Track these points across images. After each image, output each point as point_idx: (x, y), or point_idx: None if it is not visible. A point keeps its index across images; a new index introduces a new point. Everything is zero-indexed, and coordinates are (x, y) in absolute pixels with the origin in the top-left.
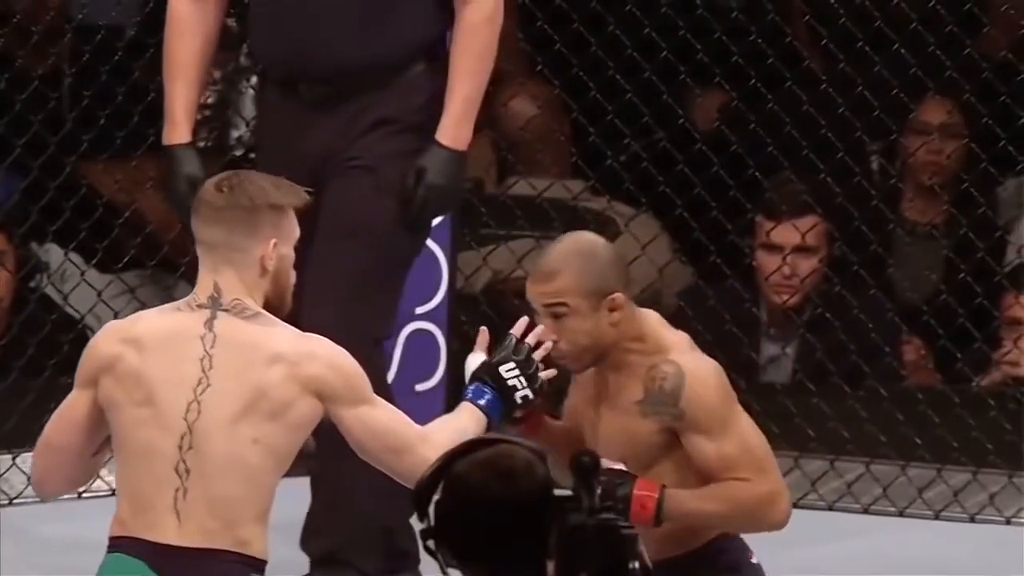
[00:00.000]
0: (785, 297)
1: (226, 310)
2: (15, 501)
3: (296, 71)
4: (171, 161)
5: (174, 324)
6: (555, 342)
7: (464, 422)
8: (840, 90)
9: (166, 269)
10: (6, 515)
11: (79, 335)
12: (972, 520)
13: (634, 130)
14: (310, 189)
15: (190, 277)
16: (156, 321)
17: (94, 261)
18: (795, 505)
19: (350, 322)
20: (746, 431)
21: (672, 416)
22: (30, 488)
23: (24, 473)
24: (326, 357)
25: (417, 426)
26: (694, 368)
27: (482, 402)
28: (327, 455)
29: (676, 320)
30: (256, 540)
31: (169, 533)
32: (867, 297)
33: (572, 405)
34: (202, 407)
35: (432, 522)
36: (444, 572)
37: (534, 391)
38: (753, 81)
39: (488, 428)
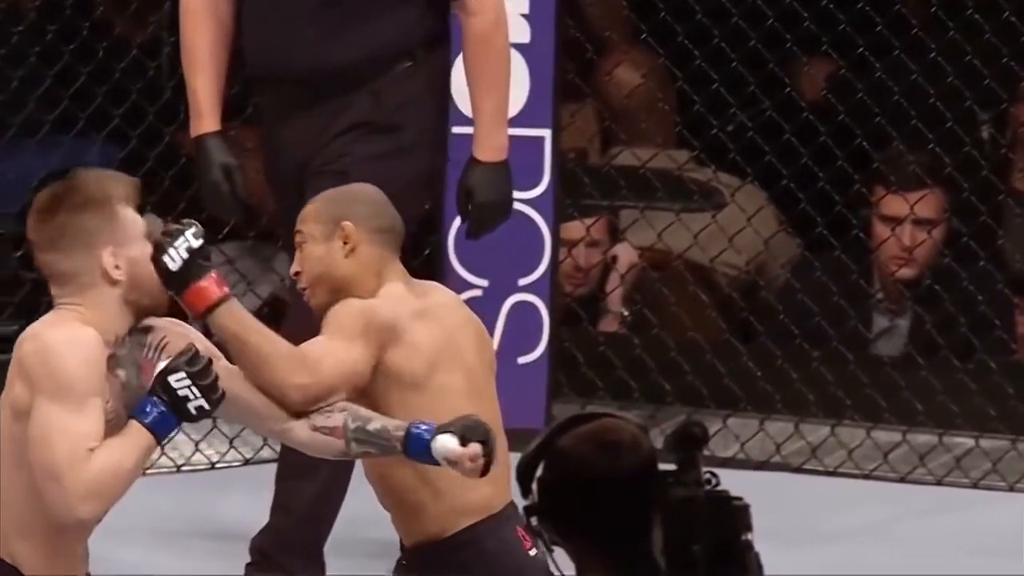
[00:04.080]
0: (901, 269)
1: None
2: None
3: (276, 71)
4: (202, 152)
5: None
6: (298, 274)
7: (126, 446)
8: (949, 59)
9: (265, 240)
10: None
11: (177, 307)
12: None
13: (740, 99)
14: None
15: (289, 247)
16: None
17: None
18: (903, 480)
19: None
20: None
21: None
22: None
23: None
24: (44, 342)
25: (81, 450)
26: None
27: (148, 420)
28: None
29: (784, 292)
30: (20, 557)
31: None
32: (978, 269)
33: None
34: None
35: (536, 499)
36: (549, 549)
37: (211, 401)
38: (860, 50)
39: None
